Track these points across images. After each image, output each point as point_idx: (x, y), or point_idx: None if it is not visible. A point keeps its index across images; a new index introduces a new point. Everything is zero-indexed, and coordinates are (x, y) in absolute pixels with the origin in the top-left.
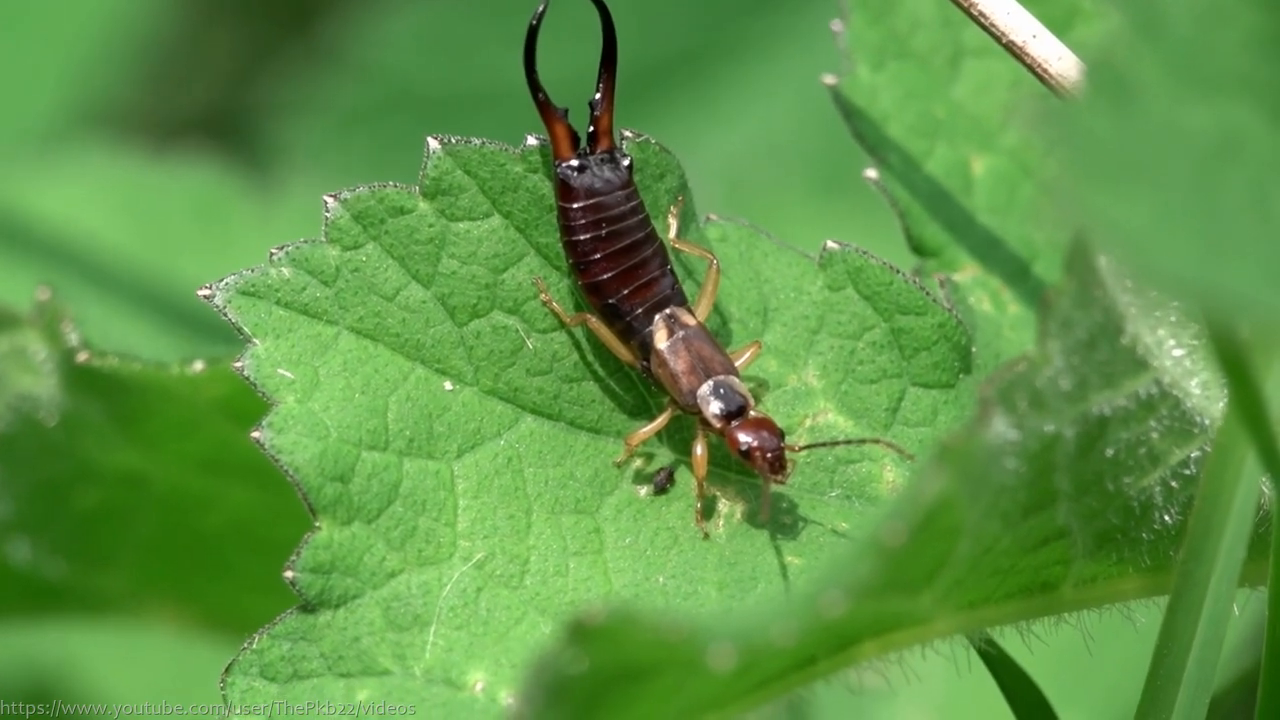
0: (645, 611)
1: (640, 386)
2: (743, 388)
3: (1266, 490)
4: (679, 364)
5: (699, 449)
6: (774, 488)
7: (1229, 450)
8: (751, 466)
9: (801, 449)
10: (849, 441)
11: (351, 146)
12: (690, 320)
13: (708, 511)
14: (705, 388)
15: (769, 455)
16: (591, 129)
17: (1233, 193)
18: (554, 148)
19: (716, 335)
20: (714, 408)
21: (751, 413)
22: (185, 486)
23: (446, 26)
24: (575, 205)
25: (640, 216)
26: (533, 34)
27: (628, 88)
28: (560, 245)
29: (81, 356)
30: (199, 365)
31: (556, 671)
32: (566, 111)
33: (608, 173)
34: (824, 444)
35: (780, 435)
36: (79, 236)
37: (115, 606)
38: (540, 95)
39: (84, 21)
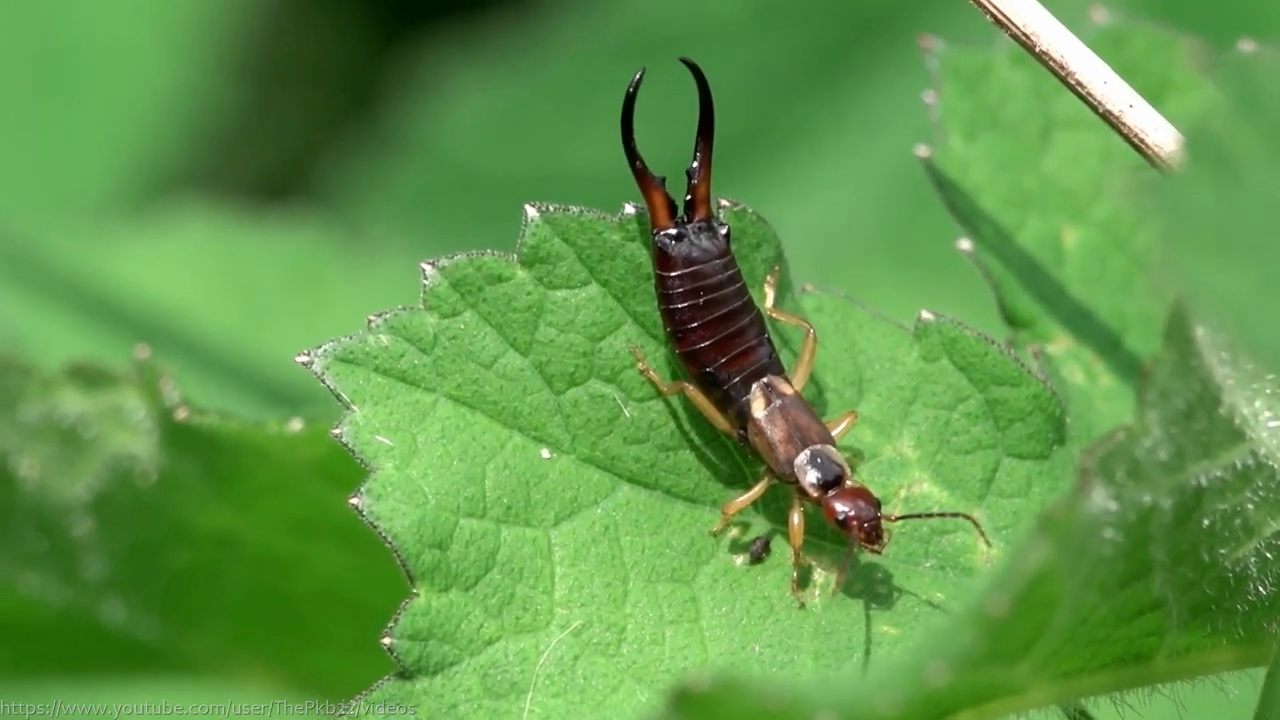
0: (748, 679)
1: (736, 455)
2: (839, 457)
3: None
4: (776, 433)
5: (795, 518)
6: (869, 557)
7: None
8: (847, 536)
9: (897, 519)
10: (943, 514)
11: (414, 230)
12: (787, 389)
13: (803, 581)
14: (802, 457)
15: (866, 525)
16: (689, 198)
17: None
18: (652, 216)
19: (812, 405)
20: (811, 477)
21: (848, 482)
22: (277, 548)
23: (508, 110)
24: (673, 274)
25: (737, 285)
26: (630, 101)
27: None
28: (658, 314)
29: (181, 414)
30: (297, 424)
31: None
32: (664, 180)
33: (705, 241)
34: (919, 515)
35: (877, 505)
36: (171, 303)
37: (207, 668)
38: (638, 163)
39: (149, 92)
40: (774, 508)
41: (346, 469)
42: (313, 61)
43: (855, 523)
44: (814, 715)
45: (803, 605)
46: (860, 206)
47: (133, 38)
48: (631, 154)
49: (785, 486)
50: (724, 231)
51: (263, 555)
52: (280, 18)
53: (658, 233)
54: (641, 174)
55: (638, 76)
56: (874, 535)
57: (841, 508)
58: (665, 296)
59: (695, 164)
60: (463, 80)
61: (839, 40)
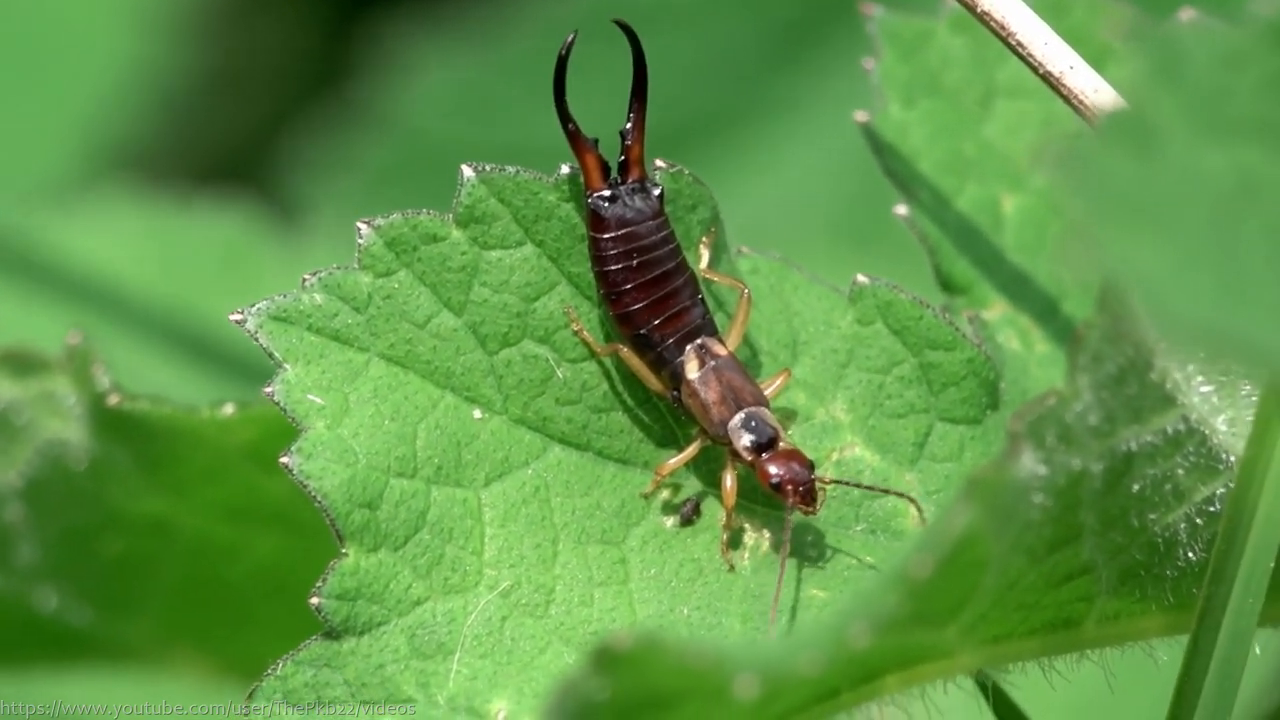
0: (671, 639)
1: (669, 417)
2: (773, 419)
3: None
4: (710, 395)
5: (728, 480)
6: (800, 519)
7: (1247, 488)
8: (781, 499)
9: (830, 482)
10: (881, 489)
11: (378, 204)
12: (721, 351)
13: (734, 543)
14: (736, 419)
15: (800, 488)
16: (623, 159)
17: (1250, 237)
18: (585, 178)
19: (746, 366)
20: (745, 440)
21: (782, 444)
22: (211, 534)
23: (474, 85)
24: (606, 235)
25: (671, 246)
26: (562, 64)
27: (657, 146)
28: (591, 275)
29: (113, 399)
30: (229, 408)
31: (581, 698)
32: (597, 142)
33: (639, 202)
34: (853, 483)
35: (811, 467)
36: (107, 280)
37: (141, 655)
38: (570, 125)
39: (107, 67)
40: (706, 470)
41: (278, 451)
42: (277, 36)
43: (790, 486)
44: (735, 675)
45: (732, 567)
46: (818, 182)
47: (92, 13)
48: (564, 116)
49: (718, 448)
50: (657, 192)
51: (197, 541)
52: None
53: (590, 195)
54: (574, 136)
55: (570, 39)
56: (808, 498)
57: (775, 470)
58: (598, 258)
59: (629, 125)
60: (426, 55)
61: (798, 17)
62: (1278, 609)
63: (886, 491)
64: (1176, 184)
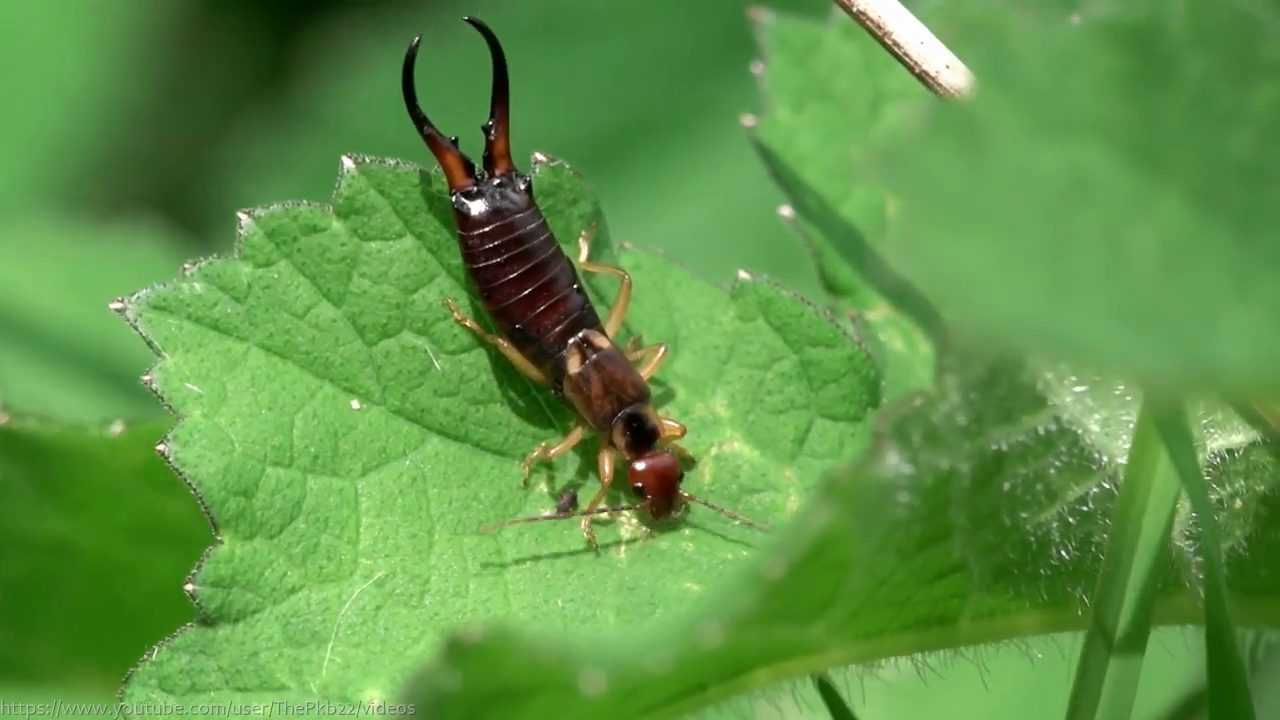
0: (521, 633)
1: (547, 410)
2: (654, 416)
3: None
4: (592, 389)
5: (606, 466)
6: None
7: (1136, 487)
8: (640, 498)
9: (690, 499)
10: (739, 518)
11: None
12: (603, 343)
13: (609, 535)
14: (617, 416)
15: (659, 500)
16: (486, 154)
17: (1083, 235)
18: (448, 178)
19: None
20: (624, 440)
21: (658, 449)
22: (112, 555)
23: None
24: (473, 232)
25: (543, 237)
26: (409, 66)
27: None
28: (465, 272)
29: (1, 419)
30: (118, 427)
31: (432, 688)
32: (456, 140)
33: (504, 197)
34: (716, 508)
35: (679, 478)
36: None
37: (44, 676)
38: (426, 128)
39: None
40: (583, 462)
41: (172, 475)
42: (223, 39)
43: (651, 496)
44: (582, 671)
45: (596, 550)
46: (760, 190)
47: (44, 37)
48: (418, 119)
49: (597, 435)
50: (524, 185)
51: (98, 562)
52: None
53: (454, 194)
54: (430, 138)
55: (415, 41)
56: (660, 509)
57: (641, 476)
58: (469, 255)
59: (491, 120)
60: (372, 58)
61: (739, 24)
62: (1171, 606)
63: (745, 523)
64: (1006, 182)
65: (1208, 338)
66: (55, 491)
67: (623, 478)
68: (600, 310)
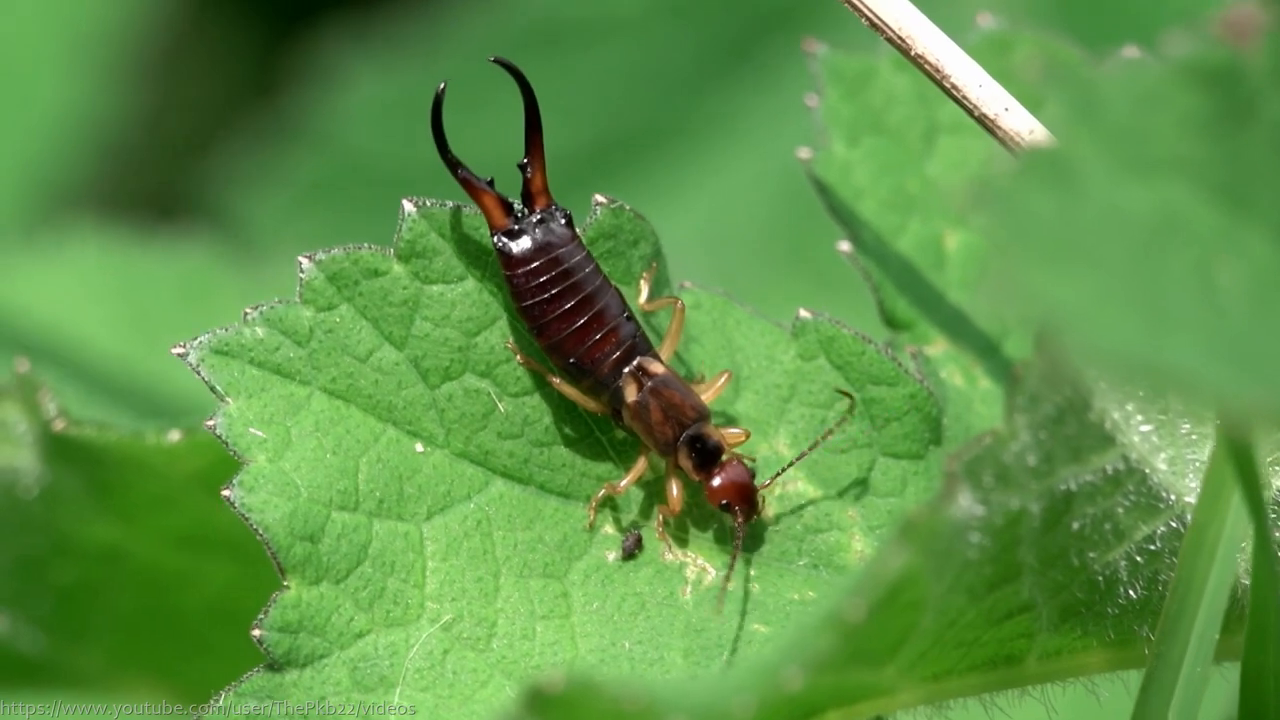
0: (605, 681)
1: (611, 451)
2: (715, 433)
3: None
4: (651, 416)
5: (674, 489)
6: (741, 554)
7: (1205, 527)
8: (729, 514)
9: (768, 486)
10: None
11: (310, 218)
12: (658, 369)
13: (676, 578)
14: (681, 440)
15: (744, 504)
16: (524, 191)
17: (1174, 271)
18: (487, 219)
19: (684, 378)
20: (690, 462)
21: (724, 460)
22: (163, 562)
23: (404, 98)
24: (519, 270)
25: (590, 268)
26: (437, 112)
27: (593, 159)
28: (515, 312)
29: (58, 425)
30: (175, 435)
31: None
32: (492, 181)
33: (545, 232)
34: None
35: (752, 477)
36: (65, 325)
37: (92, 683)
38: (460, 171)
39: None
40: (647, 503)
41: (227, 479)
42: (210, 51)
43: (735, 504)
44: (667, 718)
45: (679, 573)
46: (753, 197)
47: (32, 58)
48: (451, 164)
49: (663, 459)
50: (563, 219)
51: (149, 569)
52: (177, 8)
53: (495, 234)
54: (466, 181)
55: (441, 87)
56: (751, 510)
57: (720, 489)
58: (516, 294)
59: (527, 158)
60: (359, 70)
61: (739, 35)
62: (1232, 644)
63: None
64: (1097, 221)
65: None
66: (108, 498)
67: (697, 518)
68: (656, 337)
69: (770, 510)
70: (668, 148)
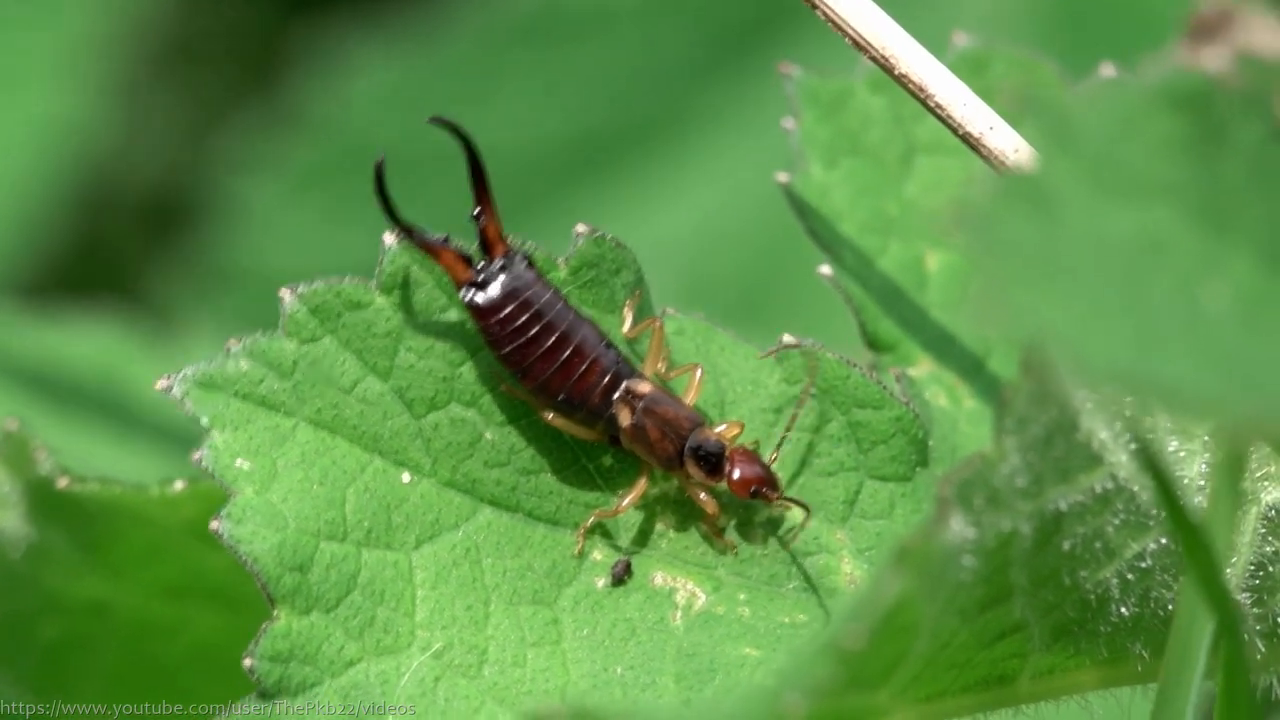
0: (605, 710)
1: (597, 478)
2: (714, 435)
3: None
4: (650, 435)
5: (702, 496)
6: (731, 578)
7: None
8: (760, 500)
9: (774, 458)
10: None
11: (307, 204)
12: (645, 388)
13: (666, 604)
14: (685, 451)
15: (767, 486)
16: (481, 242)
17: (1159, 293)
18: (451, 276)
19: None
20: (701, 472)
21: (731, 454)
22: (150, 613)
23: (404, 86)
24: (491, 320)
25: (560, 305)
26: (380, 183)
27: (580, 156)
28: (495, 360)
29: (62, 482)
30: (179, 485)
31: None
32: (447, 238)
33: (511, 278)
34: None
35: (760, 460)
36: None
37: None
38: (415, 236)
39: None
40: (637, 531)
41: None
42: (212, 37)
43: (760, 489)
44: None
45: (730, 545)
46: (754, 193)
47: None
48: (404, 230)
49: (668, 478)
50: (525, 262)
51: (135, 621)
52: None
53: (461, 289)
54: (423, 244)
55: (379, 161)
56: (776, 486)
57: (742, 486)
58: (494, 343)
59: (477, 209)
60: (362, 57)
61: (737, 27)
62: None
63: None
64: (1079, 245)
65: None
66: (96, 552)
67: (681, 547)
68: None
69: (758, 535)
70: (659, 140)
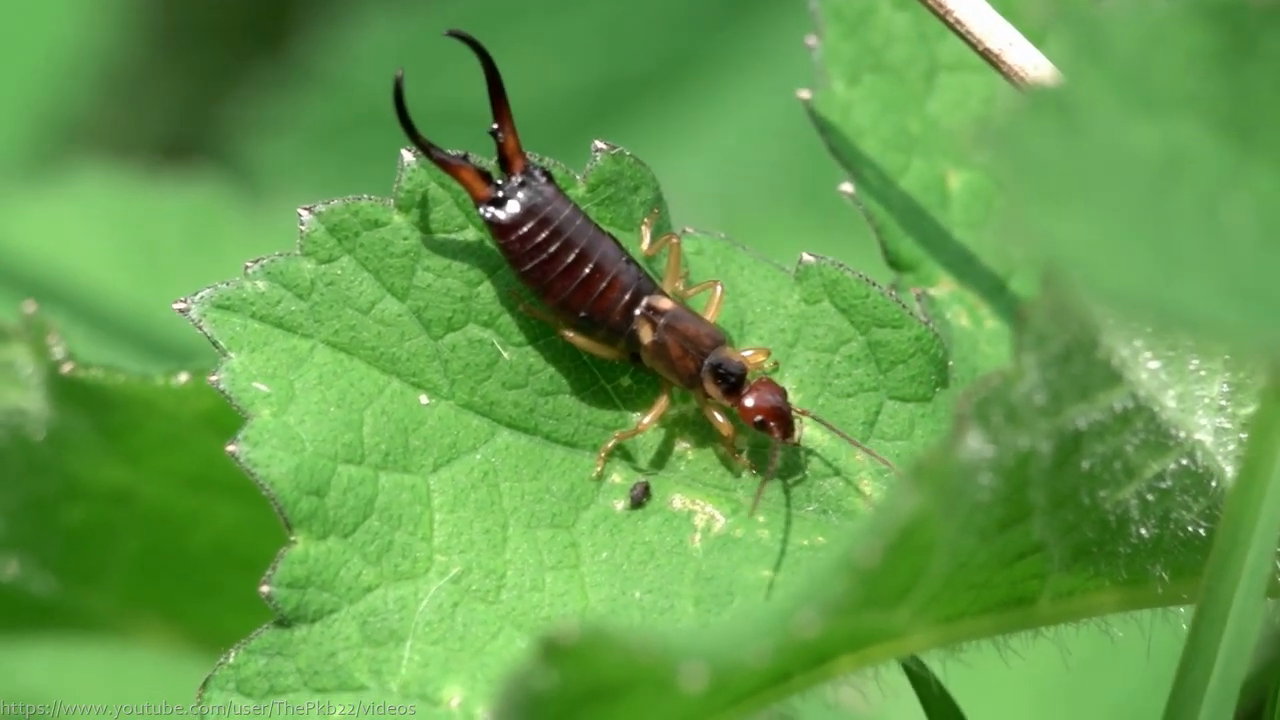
0: (618, 630)
1: (616, 399)
2: (736, 355)
3: None
4: (671, 351)
5: (718, 417)
6: (749, 497)
7: (1257, 462)
8: (765, 433)
9: (804, 414)
10: (846, 436)
11: (322, 163)
12: (666, 304)
13: (685, 526)
14: (704, 369)
15: (781, 418)
16: (499, 156)
17: (1182, 209)
18: (470, 194)
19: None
20: (719, 389)
21: (753, 380)
22: (172, 503)
23: (416, 42)
24: (511, 237)
25: (580, 220)
26: (400, 99)
27: (596, 106)
28: (516, 278)
29: (66, 368)
30: (184, 377)
31: (528, 690)
32: (466, 155)
33: (530, 194)
34: (825, 423)
35: (784, 395)
36: (69, 263)
37: (103, 624)
38: (434, 153)
39: (49, 44)
40: (656, 454)
41: (236, 421)
42: None
43: (772, 419)
44: (682, 666)
45: (749, 465)
46: (750, 150)
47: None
48: (423, 146)
49: (689, 394)
50: (544, 177)
51: (157, 510)
52: None
53: (480, 206)
54: (441, 162)
55: (398, 74)
56: (789, 428)
57: (755, 407)
58: (515, 260)
59: (495, 124)
60: (371, 13)
61: None
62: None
63: (850, 440)
64: (1105, 159)
65: None
66: (116, 439)
67: (700, 469)
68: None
69: (777, 456)
70: (672, 89)
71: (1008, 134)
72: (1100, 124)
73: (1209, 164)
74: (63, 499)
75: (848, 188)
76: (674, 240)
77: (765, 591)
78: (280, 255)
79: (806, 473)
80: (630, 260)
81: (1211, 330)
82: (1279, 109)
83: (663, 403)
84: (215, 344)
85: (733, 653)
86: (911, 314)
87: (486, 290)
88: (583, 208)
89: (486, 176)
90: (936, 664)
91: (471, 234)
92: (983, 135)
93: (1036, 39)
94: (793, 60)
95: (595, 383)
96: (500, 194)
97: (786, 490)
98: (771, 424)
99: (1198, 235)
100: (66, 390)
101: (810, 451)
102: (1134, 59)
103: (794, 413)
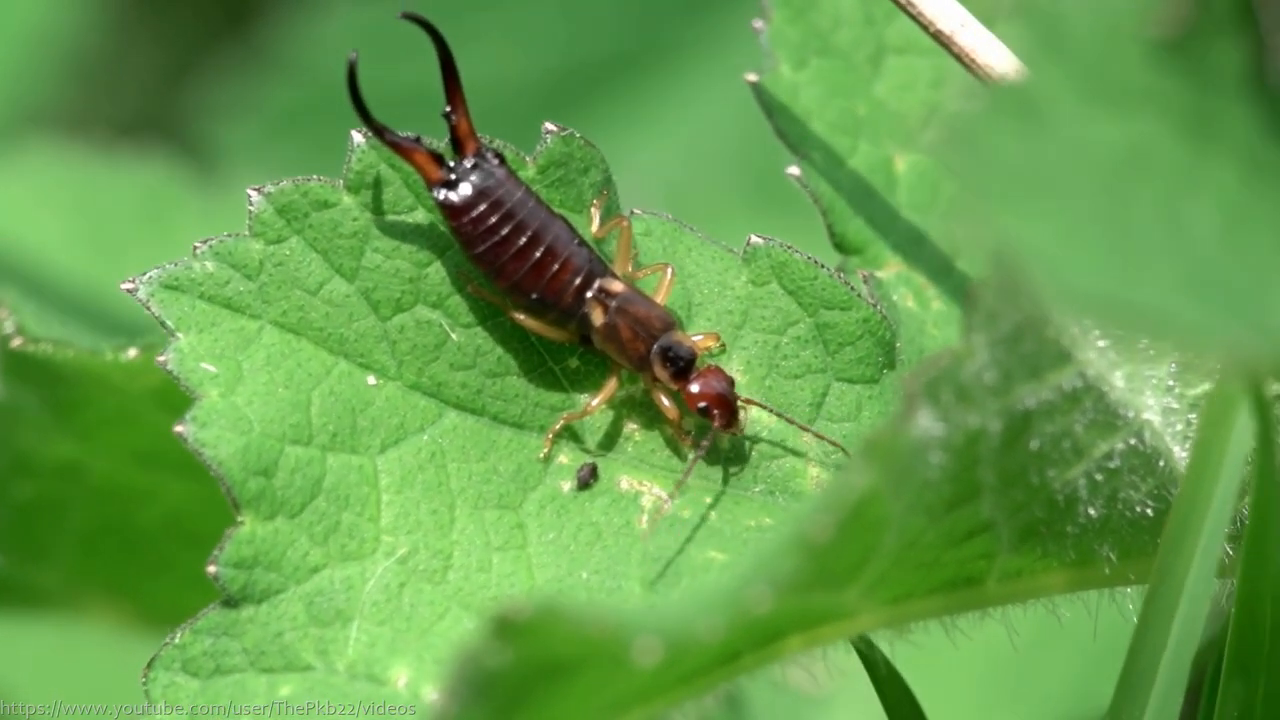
0: (570, 606)
1: (563, 381)
2: (686, 340)
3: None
4: (622, 334)
5: (665, 402)
6: (697, 481)
7: (1210, 442)
8: (709, 420)
9: (749, 403)
10: (794, 421)
11: (284, 147)
12: (618, 287)
13: (632, 507)
14: (653, 352)
15: (725, 408)
16: (452, 138)
17: (1143, 206)
18: (423, 176)
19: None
20: (667, 371)
21: (701, 366)
22: (121, 479)
23: (380, 28)
24: (464, 219)
25: (533, 203)
26: (353, 81)
27: (555, 93)
28: (467, 261)
29: (16, 342)
30: (133, 352)
31: (480, 666)
32: (418, 138)
33: (482, 175)
34: (773, 410)
35: (731, 384)
36: (23, 239)
37: (51, 601)
38: (386, 135)
39: (13, 26)
40: (603, 435)
41: (185, 399)
42: None
43: (716, 408)
44: (635, 641)
45: (699, 447)
46: (708, 137)
47: None
48: (376, 129)
49: (629, 385)
50: (496, 160)
51: (106, 486)
52: None
53: (433, 189)
54: (393, 144)
55: (352, 56)
56: (732, 419)
57: (700, 394)
58: (467, 243)
59: (449, 106)
60: None
61: None
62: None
63: (794, 423)
64: (1065, 156)
65: (1267, 307)
66: (66, 414)
67: (648, 450)
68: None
69: (725, 438)
70: (632, 75)
71: (968, 133)
72: (1061, 120)
73: (1169, 161)
74: (11, 474)
75: (795, 170)
76: (624, 223)
77: (713, 572)
78: (229, 236)
79: (754, 454)
80: (582, 243)
81: (1172, 329)
82: (1237, 104)
83: (611, 385)
84: (163, 324)
85: (685, 627)
86: (859, 296)
87: (435, 271)
88: (533, 189)
89: (439, 159)
90: (885, 645)
91: (421, 215)
92: (944, 133)
93: (988, 21)
94: (751, 47)
95: (543, 364)
96: (453, 176)
97: (733, 471)
98: (715, 411)
99: (1159, 233)
100: (16, 365)
101: (757, 434)
102: (1093, 53)
103: (739, 402)
